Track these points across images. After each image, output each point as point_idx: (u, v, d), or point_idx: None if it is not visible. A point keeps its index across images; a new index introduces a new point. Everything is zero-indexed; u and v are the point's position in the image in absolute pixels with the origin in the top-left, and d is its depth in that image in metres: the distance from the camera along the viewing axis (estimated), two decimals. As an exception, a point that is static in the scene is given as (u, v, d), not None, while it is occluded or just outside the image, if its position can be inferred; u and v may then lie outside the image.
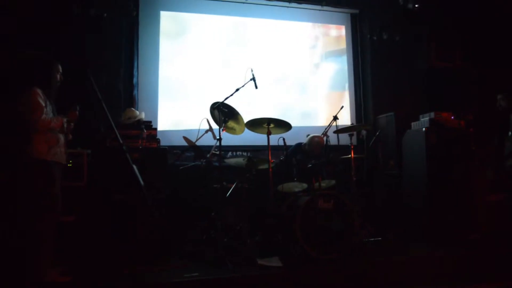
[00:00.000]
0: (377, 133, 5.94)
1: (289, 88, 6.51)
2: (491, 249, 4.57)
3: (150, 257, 4.12)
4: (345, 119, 6.47)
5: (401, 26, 6.72)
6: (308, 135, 5.42)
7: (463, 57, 6.80)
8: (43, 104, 3.48)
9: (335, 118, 5.29)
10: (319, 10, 6.75)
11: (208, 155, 4.78)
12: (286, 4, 6.57)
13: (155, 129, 4.96)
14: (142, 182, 3.08)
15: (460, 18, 6.79)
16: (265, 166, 4.72)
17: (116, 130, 3.24)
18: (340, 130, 5.12)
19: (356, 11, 6.98)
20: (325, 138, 5.26)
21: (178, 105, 6.03)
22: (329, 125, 5.33)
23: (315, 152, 5.27)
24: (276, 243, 4.34)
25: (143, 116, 4.99)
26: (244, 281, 3.71)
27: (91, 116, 4.28)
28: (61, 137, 3.66)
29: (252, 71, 4.73)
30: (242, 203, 4.51)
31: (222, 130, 4.55)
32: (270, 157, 4.54)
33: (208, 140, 4.97)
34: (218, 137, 4.43)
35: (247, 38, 6.46)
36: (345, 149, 5.29)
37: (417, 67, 6.82)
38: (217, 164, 4.69)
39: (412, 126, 5.64)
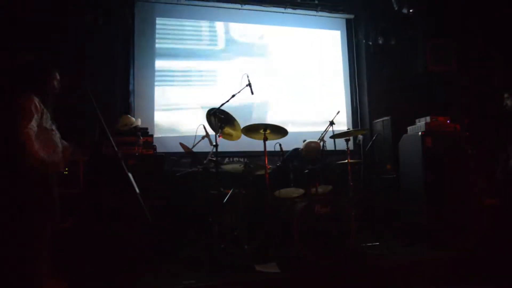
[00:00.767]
0: (374, 138, 5.95)
1: (285, 94, 6.52)
2: (488, 252, 4.57)
3: (147, 264, 4.11)
4: (342, 124, 6.48)
5: (396, 31, 6.74)
6: (305, 140, 5.42)
7: (459, 61, 6.82)
8: (34, 113, 3.41)
9: (332, 123, 5.30)
10: (314, 15, 6.78)
11: (204, 161, 4.77)
12: (282, 10, 6.59)
13: (152, 135, 4.96)
14: (137, 189, 3.07)
15: (455, 22, 6.82)
16: (262, 172, 4.71)
17: (111, 138, 3.24)
18: (336, 135, 5.12)
19: (351, 16, 7.02)
20: (321, 143, 5.27)
21: (175, 111, 6.03)
22: (326, 130, 5.33)
23: (312, 157, 5.27)
24: (274, 248, 4.33)
25: (139, 122, 4.99)
26: (241, 287, 3.70)
27: (87, 123, 4.30)
28: (59, 145, 3.64)
29: (248, 77, 4.74)
30: (239, 209, 4.50)
31: (219, 136, 4.55)
32: (266, 163, 4.54)
33: (204, 146, 4.97)
34: (214, 143, 4.43)
35: (242, 44, 6.47)
36: (341, 154, 5.29)
37: (413, 71, 6.85)
38: (214, 170, 4.68)
39: (408, 130, 5.65)
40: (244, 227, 4.38)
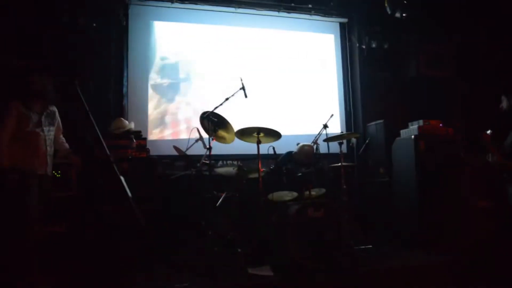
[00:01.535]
0: (367, 141, 5.97)
1: (279, 97, 6.52)
2: (481, 255, 4.59)
3: (140, 267, 4.10)
4: (335, 127, 6.49)
5: (390, 35, 6.77)
6: (298, 143, 5.42)
7: (451, 66, 6.86)
8: (8, 120, 3.50)
9: (325, 126, 5.31)
10: (308, 19, 6.80)
11: (198, 165, 4.77)
12: (275, 13, 6.60)
13: (145, 139, 4.96)
14: (129, 193, 3.06)
15: (449, 26, 6.86)
16: (255, 175, 4.71)
17: (103, 141, 3.23)
18: (330, 139, 5.14)
19: (345, 20, 7.04)
20: (315, 147, 5.27)
21: (168, 114, 6.02)
22: (319, 134, 5.34)
23: (305, 161, 5.26)
24: (267, 252, 4.33)
25: (132, 126, 4.98)
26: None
27: (79, 127, 4.28)
28: (43, 147, 3.66)
29: (241, 80, 4.75)
30: (232, 212, 4.50)
31: (212, 139, 4.55)
32: (260, 166, 4.54)
33: (198, 150, 4.97)
34: (208, 146, 4.43)
35: (237, 47, 6.48)
36: (335, 157, 5.30)
37: (406, 75, 6.87)
38: (207, 173, 4.68)
39: (401, 133, 5.67)
40: (237, 230, 4.38)
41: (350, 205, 5.12)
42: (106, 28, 5.66)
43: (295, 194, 4.81)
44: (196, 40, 6.29)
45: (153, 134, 5.85)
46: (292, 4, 6.58)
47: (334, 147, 5.23)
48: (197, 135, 4.92)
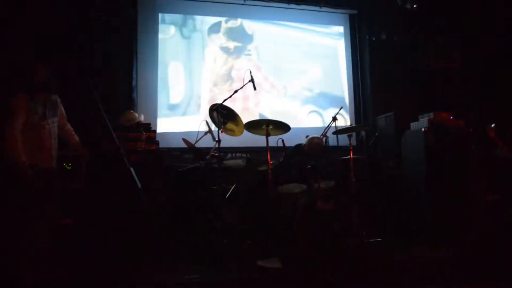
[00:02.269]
0: (376, 134, 5.93)
1: (288, 89, 6.51)
2: (489, 248, 4.56)
3: (149, 259, 4.13)
4: (345, 120, 6.47)
5: (400, 27, 6.72)
6: (307, 136, 5.40)
7: (462, 57, 6.79)
8: (20, 112, 3.49)
9: (334, 118, 5.29)
10: (318, 11, 6.75)
11: (207, 157, 4.77)
12: (285, 5, 6.57)
13: (154, 131, 4.97)
14: (139, 184, 3.08)
15: (459, 19, 6.79)
16: (264, 168, 4.71)
17: (113, 133, 3.24)
18: (339, 131, 5.12)
19: (354, 11, 6.98)
20: (324, 139, 5.26)
21: (177, 107, 6.03)
22: (328, 126, 5.33)
23: (315, 153, 5.25)
24: (276, 244, 4.33)
25: (142, 118, 4.99)
26: (243, 282, 3.71)
27: (90, 119, 4.31)
28: (48, 141, 3.67)
29: (250, 72, 4.73)
30: (241, 205, 4.50)
31: (221, 131, 4.55)
32: (269, 159, 4.53)
33: (207, 142, 4.98)
34: (217, 139, 4.44)
35: (245, 40, 6.46)
36: (344, 150, 5.27)
37: (416, 67, 6.81)
38: (216, 165, 4.69)
39: (411, 126, 5.63)
40: (246, 222, 4.38)
41: (359, 197, 5.11)
42: (115, 21, 5.66)
43: (304, 186, 4.80)
44: (204, 32, 6.27)
45: (163, 127, 5.84)
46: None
47: (344, 139, 5.21)
48: (206, 128, 4.94)
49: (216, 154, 4.54)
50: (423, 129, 5.30)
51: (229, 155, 5.87)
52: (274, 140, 4.81)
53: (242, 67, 6.13)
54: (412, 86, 6.69)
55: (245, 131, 4.78)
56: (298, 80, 6.58)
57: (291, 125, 4.69)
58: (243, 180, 4.67)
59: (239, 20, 6.48)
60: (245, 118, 4.70)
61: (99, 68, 5.39)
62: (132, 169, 3.07)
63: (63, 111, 3.95)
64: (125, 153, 3.46)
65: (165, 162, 4.87)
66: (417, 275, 4.08)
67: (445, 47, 6.72)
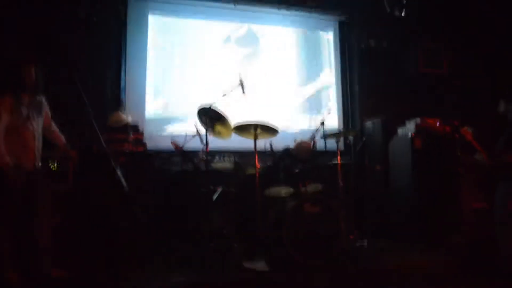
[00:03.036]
0: (364, 139, 5.97)
1: (277, 93, 6.52)
2: (475, 253, 4.61)
3: (135, 261, 4.11)
4: (332, 124, 6.50)
5: (389, 33, 6.78)
6: (296, 140, 5.42)
7: (450, 64, 6.87)
8: (3, 114, 3.47)
9: (323, 123, 5.32)
10: (308, 17, 6.79)
11: (195, 160, 4.77)
12: (275, 10, 6.59)
13: (142, 133, 4.95)
14: (126, 186, 3.07)
15: (447, 25, 6.88)
16: (252, 171, 4.72)
17: (100, 135, 3.23)
18: (327, 136, 5.14)
19: (344, 18, 7.03)
20: (312, 143, 5.28)
21: (166, 109, 6.02)
22: (316, 130, 5.35)
23: (303, 157, 5.27)
24: (263, 247, 4.34)
25: (130, 119, 4.97)
26: (230, 285, 3.71)
27: (78, 119, 4.27)
28: (32, 142, 3.65)
29: (240, 76, 4.74)
30: (229, 207, 4.51)
31: (209, 134, 4.54)
32: (257, 162, 4.54)
33: (195, 144, 4.97)
34: (205, 141, 4.44)
35: (235, 43, 6.48)
36: (332, 154, 5.31)
37: (404, 73, 6.87)
38: (204, 168, 4.69)
39: (399, 131, 5.68)
40: (234, 225, 4.39)
41: (346, 201, 5.13)
42: (105, 22, 5.65)
43: (291, 190, 4.82)
44: (194, 35, 6.27)
45: (151, 129, 5.82)
46: (292, 1, 6.58)
47: (332, 144, 5.24)
48: (194, 130, 4.93)
49: (204, 157, 4.54)
50: (410, 134, 5.35)
51: (217, 157, 5.86)
52: (263, 143, 4.82)
53: (231, 70, 6.14)
54: (400, 92, 6.75)
55: (233, 134, 4.79)
56: (286, 84, 6.60)
57: (279, 129, 4.70)
58: (230, 183, 4.66)
59: (230, 24, 6.49)
60: (234, 121, 4.70)
61: (87, 68, 5.35)
62: (118, 171, 3.05)
63: (49, 112, 3.92)
64: (113, 154, 3.44)
65: (153, 164, 4.85)
66: (403, 279, 4.11)
67: (432, 54, 6.79)
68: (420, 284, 4.04)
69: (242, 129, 4.68)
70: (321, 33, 6.99)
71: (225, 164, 4.78)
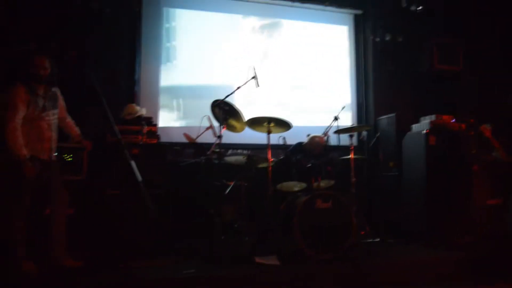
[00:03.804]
0: (378, 134, 5.94)
1: (291, 87, 6.50)
2: (487, 252, 4.57)
3: (147, 252, 4.14)
4: (346, 119, 6.46)
5: (404, 28, 6.71)
6: (309, 134, 5.41)
7: (466, 61, 6.79)
8: (20, 105, 3.52)
9: (336, 118, 5.30)
10: (322, 10, 6.74)
11: (208, 152, 4.78)
12: (289, 3, 6.55)
13: (155, 125, 4.97)
14: (139, 178, 3.08)
15: (464, 21, 6.78)
16: (264, 165, 4.72)
17: (114, 126, 3.25)
18: (340, 131, 5.12)
19: (359, 11, 6.96)
20: (325, 138, 5.27)
21: (179, 101, 6.03)
22: (330, 125, 5.34)
23: (315, 152, 5.26)
24: (274, 241, 4.34)
25: (143, 112, 4.99)
26: (241, 279, 3.72)
27: (92, 111, 4.31)
28: (47, 133, 3.69)
29: (254, 69, 4.73)
30: (241, 201, 4.51)
31: (223, 127, 4.55)
32: (269, 156, 4.54)
33: (208, 138, 4.98)
34: (218, 135, 4.44)
35: (249, 36, 6.46)
36: (345, 149, 5.29)
37: (419, 69, 6.80)
38: (217, 161, 4.69)
39: (413, 128, 5.64)
40: (245, 219, 4.39)
41: (359, 197, 5.12)
42: (119, 14, 5.65)
43: (303, 185, 4.81)
44: (208, 28, 6.26)
45: (164, 121, 5.84)
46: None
47: (345, 139, 5.23)
48: (208, 123, 4.94)
49: (217, 150, 4.54)
50: (424, 131, 5.30)
51: (230, 151, 5.88)
52: (276, 138, 4.81)
53: (245, 63, 6.13)
54: (415, 88, 6.69)
55: (246, 128, 4.79)
56: (301, 78, 6.57)
57: (293, 123, 4.69)
58: (243, 176, 4.66)
59: (244, 17, 6.47)
60: (247, 115, 4.70)
61: (102, 61, 5.38)
62: (132, 162, 3.07)
63: (63, 103, 3.97)
64: (126, 146, 3.46)
65: (166, 156, 4.87)
66: (414, 277, 4.10)
67: (448, 50, 6.70)
68: (432, 282, 4.03)
69: (255, 123, 4.67)
70: (336, 26, 6.93)
71: (237, 157, 4.77)
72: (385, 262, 4.30)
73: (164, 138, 5.19)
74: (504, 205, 5.21)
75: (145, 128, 4.72)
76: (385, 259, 4.38)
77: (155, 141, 4.78)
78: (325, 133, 5.30)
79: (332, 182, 4.89)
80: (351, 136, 5.02)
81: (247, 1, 6.41)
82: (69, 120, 4.07)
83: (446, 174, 5.24)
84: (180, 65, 6.08)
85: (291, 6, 6.59)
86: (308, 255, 4.08)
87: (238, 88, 4.71)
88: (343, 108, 5.46)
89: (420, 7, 6.43)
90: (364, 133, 6.44)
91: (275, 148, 4.83)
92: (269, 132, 4.60)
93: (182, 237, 4.73)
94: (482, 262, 4.34)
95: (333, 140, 5.28)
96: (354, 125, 5.85)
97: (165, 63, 6.02)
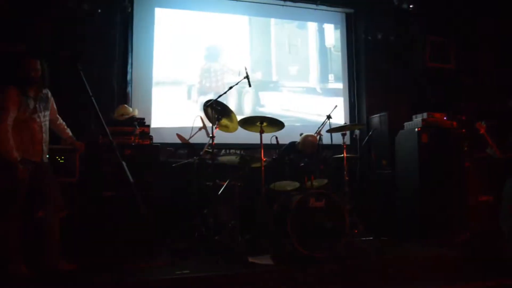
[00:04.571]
0: (370, 133, 5.96)
1: (283, 87, 6.51)
2: (480, 248, 4.60)
3: (140, 254, 4.13)
4: (339, 118, 6.47)
5: (396, 26, 6.73)
6: (302, 134, 5.42)
7: (457, 59, 6.83)
8: (11, 106, 3.50)
9: (329, 117, 5.31)
10: (314, 9, 6.75)
11: (201, 153, 4.78)
12: (281, 2, 6.56)
13: (148, 126, 4.95)
14: (131, 179, 3.07)
15: (455, 20, 6.82)
16: (257, 164, 4.72)
17: (106, 127, 3.23)
18: (333, 129, 5.13)
19: (351, 10, 6.98)
20: (318, 137, 5.27)
21: (172, 102, 6.02)
22: (323, 124, 5.35)
23: (308, 151, 5.27)
24: (268, 241, 4.35)
25: (136, 113, 4.98)
26: (235, 279, 3.72)
27: (84, 112, 4.29)
28: (39, 135, 3.67)
29: (246, 69, 4.73)
30: (234, 201, 4.51)
31: (215, 128, 4.55)
32: (262, 156, 4.54)
33: (201, 138, 4.98)
34: (211, 135, 4.44)
35: (241, 36, 6.46)
36: (338, 148, 5.31)
37: (411, 67, 6.83)
38: (210, 161, 4.69)
39: (405, 126, 5.67)
40: (239, 219, 4.39)
41: (352, 196, 5.13)
42: (111, 14, 5.64)
43: (297, 184, 4.82)
44: (201, 28, 6.25)
45: (157, 122, 5.83)
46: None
47: (338, 138, 5.24)
48: (200, 124, 4.94)
49: (210, 150, 4.54)
50: (416, 129, 5.33)
51: (223, 151, 5.88)
52: (268, 137, 4.82)
53: (236, 63, 6.14)
54: (407, 86, 6.71)
55: (239, 128, 4.79)
56: (293, 78, 6.58)
57: (285, 123, 4.70)
58: (236, 176, 4.67)
59: (237, 17, 6.47)
60: (239, 115, 4.70)
61: (93, 61, 5.35)
62: (124, 163, 3.06)
63: (54, 105, 3.95)
64: (118, 147, 3.45)
65: (159, 157, 4.86)
66: (407, 273, 4.11)
67: (440, 48, 6.74)
68: (426, 280, 4.05)
69: (248, 122, 4.68)
70: (327, 25, 6.95)
71: (230, 157, 4.77)
72: (379, 260, 4.31)
73: (157, 139, 5.18)
74: (497, 202, 5.24)
75: (138, 129, 4.70)
76: (379, 257, 4.40)
77: (148, 142, 4.76)
78: (318, 132, 5.31)
79: (325, 181, 4.91)
80: (343, 135, 5.04)
81: (239, 1, 6.40)
82: (60, 122, 4.05)
83: (438, 171, 5.27)
84: (172, 65, 6.07)
85: (283, 6, 6.60)
86: (302, 254, 4.09)
87: (231, 88, 4.72)
88: (335, 107, 5.47)
89: (411, 6, 6.46)
90: (357, 131, 6.46)
91: (268, 147, 4.82)
92: (261, 132, 4.60)
93: (175, 237, 4.73)
94: (476, 259, 4.37)
95: (325, 139, 5.28)
96: (346, 124, 5.86)
97: (158, 64, 6.00)
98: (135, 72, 5.88)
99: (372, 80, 6.74)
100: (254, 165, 4.82)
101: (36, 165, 3.65)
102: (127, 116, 4.83)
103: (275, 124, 4.65)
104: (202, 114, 4.81)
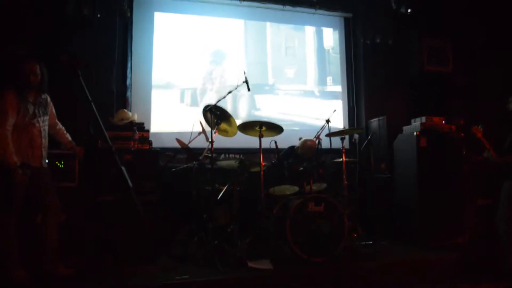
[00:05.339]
0: (369, 137, 5.96)
1: (281, 91, 6.52)
2: (478, 252, 4.61)
3: (140, 258, 4.13)
4: (338, 122, 6.49)
5: (394, 31, 6.74)
6: (301, 138, 5.43)
7: (455, 62, 6.84)
8: (10, 111, 3.50)
9: (328, 121, 5.33)
10: (313, 13, 6.77)
11: (200, 157, 4.78)
12: (280, 7, 6.58)
13: (148, 131, 4.96)
14: (130, 184, 3.08)
15: (453, 23, 6.83)
16: (257, 169, 4.72)
17: (105, 132, 3.24)
18: (332, 134, 5.14)
19: (349, 15, 7.01)
20: (317, 142, 5.28)
21: (171, 107, 6.02)
22: (322, 129, 5.36)
23: (307, 155, 5.28)
24: (267, 245, 4.35)
25: (135, 117, 4.99)
26: (234, 283, 3.73)
27: (83, 117, 4.28)
28: (38, 139, 3.68)
29: (245, 73, 4.75)
30: (233, 205, 4.51)
31: (215, 132, 4.56)
32: (262, 160, 4.55)
33: (200, 143, 4.98)
34: (210, 140, 4.45)
35: (241, 40, 6.48)
36: (337, 152, 5.31)
37: (410, 71, 6.84)
38: (209, 166, 4.70)
39: (404, 130, 5.68)
40: (238, 223, 4.39)
41: (351, 200, 5.13)
42: (110, 19, 5.64)
43: (296, 188, 4.82)
44: (200, 32, 6.27)
45: (156, 126, 5.83)
46: (297, -1, 6.58)
47: (336, 142, 5.24)
48: (199, 128, 4.95)
49: (209, 155, 4.55)
50: (415, 133, 5.34)
51: (222, 156, 5.88)
52: (267, 142, 4.83)
53: (235, 67, 6.16)
54: (405, 90, 6.73)
55: (238, 132, 4.80)
56: (289, 80, 6.60)
57: (284, 127, 4.70)
58: (235, 181, 4.67)
59: (236, 21, 6.49)
60: (238, 119, 4.71)
61: (93, 66, 5.35)
62: (123, 168, 3.06)
63: (54, 110, 3.96)
64: (118, 152, 3.45)
65: (158, 162, 4.86)
66: (406, 277, 4.12)
67: (438, 51, 6.75)
68: (424, 283, 4.06)
69: (247, 127, 4.69)
70: (326, 29, 6.97)
71: (230, 162, 4.78)
72: (378, 264, 4.31)
73: (156, 144, 5.18)
74: (495, 205, 5.25)
75: (137, 134, 4.71)
76: (378, 261, 4.40)
77: (147, 147, 4.77)
78: (317, 137, 5.32)
79: (324, 185, 4.92)
80: (342, 139, 5.04)
81: (239, 5, 6.42)
82: (60, 127, 4.06)
83: (437, 175, 5.28)
84: (172, 70, 6.08)
85: (282, 10, 6.62)
86: (302, 259, 4.09)
87: (230, 92, 4.73)
88: (334, 111, 5.48)
89: (409, 10, 6.48)
90: (356, 135, 6.46)
91: (267, 152, 4.83)
92: (260, 136, 4.61)
93: (175, 242, 4.73)
94: (474, 263, 4.38)
95: (324, 143, 5.29)
96: (345, 128, 5.87)
97: (157, 68, 6.01)
98: (134, 77, 5.89)
99: (371, 84, 6.76)
100: (253, 170, 4.82)
101: (35, 170, 3.65)
102: (126, 121, 4.85)
103: (274, 128, 4.66)
104: (202, 119, 4.81)
